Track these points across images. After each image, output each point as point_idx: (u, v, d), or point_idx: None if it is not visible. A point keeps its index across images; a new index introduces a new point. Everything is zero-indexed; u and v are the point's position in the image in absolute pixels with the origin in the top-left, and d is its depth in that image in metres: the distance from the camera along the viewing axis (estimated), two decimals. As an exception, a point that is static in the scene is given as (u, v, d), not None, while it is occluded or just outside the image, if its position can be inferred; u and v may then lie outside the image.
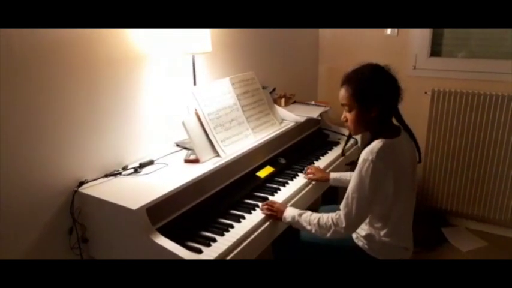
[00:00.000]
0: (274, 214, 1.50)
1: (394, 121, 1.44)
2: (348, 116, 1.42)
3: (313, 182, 1.83)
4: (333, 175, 1.84)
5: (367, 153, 1.33)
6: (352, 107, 1.38)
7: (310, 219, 1.42)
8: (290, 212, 1.48)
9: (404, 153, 1.39)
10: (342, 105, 1.42)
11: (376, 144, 1.33)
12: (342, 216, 1.35)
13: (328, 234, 1.38)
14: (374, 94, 1.35)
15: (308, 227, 1.42)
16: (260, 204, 1.57)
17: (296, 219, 1.45)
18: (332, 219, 1.37)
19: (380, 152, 1.31)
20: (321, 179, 1.84)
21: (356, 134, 1.54)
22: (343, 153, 1.77)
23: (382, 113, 1.37)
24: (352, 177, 1.37)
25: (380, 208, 1.41)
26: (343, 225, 1.35)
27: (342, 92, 1.40)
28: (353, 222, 1.36)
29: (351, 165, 2.08)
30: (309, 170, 1.86)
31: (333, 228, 1.37)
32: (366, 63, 1.39)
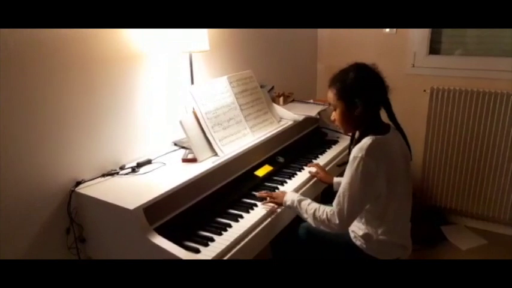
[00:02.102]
0: (275, 201, 1.54)
1: (386, 119, 1.44)
2: (334, 114, 1.44)
3: (312, 181, 1.82)
4: (336, 179, 1.83)
5: (357, 151, 1.33)
6: (337, 105, 1.41)
7: (307, 208, 1.45)
8: (290, 196, 1.52)
9: (394, 150, 1.40)
10: (329, 105, 1.46)
11: (365, 141, 1.34)
12: (336, 214, 1.36)
13: (322, 227, 1.41)
14: (356, 91, 1.37)
15: (304, 215, 1.46)
16: (259, 203, 1.57)
17: (295, 204, 1.48)
18: (326, 214, 1.39)
19: (370, 148, 1.32)
20: (324, 180, 1.84)
21: (346, 132, 1.55)
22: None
23: (367, 109, 1.38)
24: (344, 176, 1.37)
25: (375, 206, 1.41)
26: (336, 222, 1.36)
27: (329, 93, 1.44)
28: (345, 220, 1.37)
29: (342, 166, 2.07)
30: (312, 167, 1.86)
31: (326, 223, 1.39)
32: (353, 62, 1.41)
